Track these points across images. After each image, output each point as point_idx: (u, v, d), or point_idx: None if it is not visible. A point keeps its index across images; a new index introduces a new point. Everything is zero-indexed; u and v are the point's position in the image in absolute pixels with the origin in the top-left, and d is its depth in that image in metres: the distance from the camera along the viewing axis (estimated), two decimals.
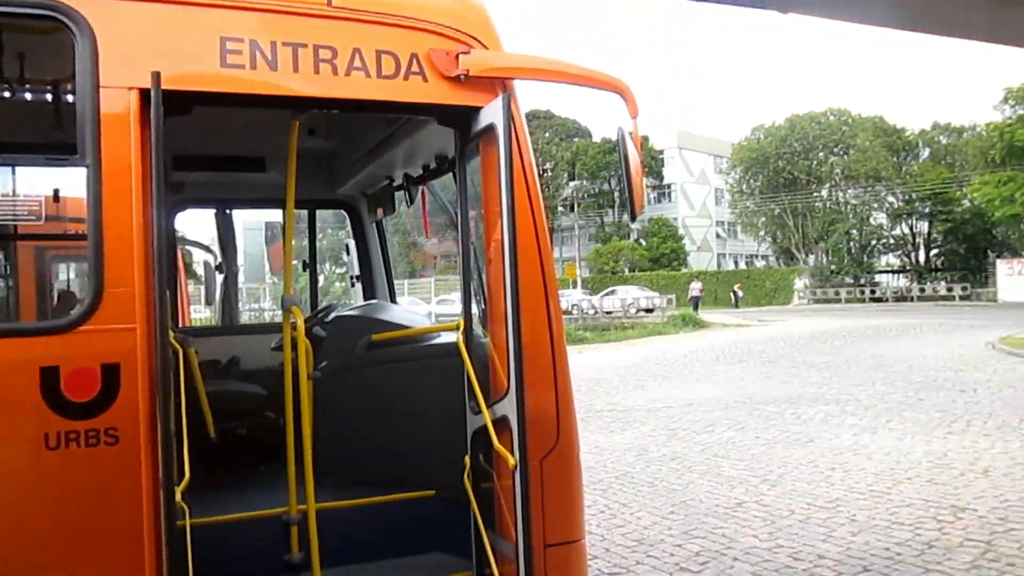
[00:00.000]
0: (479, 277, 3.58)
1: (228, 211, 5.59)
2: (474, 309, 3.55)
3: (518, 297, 3.00)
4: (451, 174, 4.22)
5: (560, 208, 71.94)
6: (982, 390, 13.57)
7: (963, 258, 55.71)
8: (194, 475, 2.84)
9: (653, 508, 7.52)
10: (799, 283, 57.20)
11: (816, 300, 54.61)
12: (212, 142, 4.65)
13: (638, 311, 40.23)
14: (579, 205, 68.81)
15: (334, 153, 5.24)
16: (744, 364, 19.18)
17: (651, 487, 8.27)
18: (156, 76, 2.73)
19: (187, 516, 2.75)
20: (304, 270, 5.93)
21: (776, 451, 9.68)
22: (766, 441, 10.26)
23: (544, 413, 3.17)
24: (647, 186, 75.82)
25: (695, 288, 47.66)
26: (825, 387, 14.75)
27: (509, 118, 3.08)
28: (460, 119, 3.33)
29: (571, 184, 72.15)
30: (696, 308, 43.98)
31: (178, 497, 2.67)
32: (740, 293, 55.22)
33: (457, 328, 3.52)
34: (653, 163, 71.59)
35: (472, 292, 3.50)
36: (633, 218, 3.38)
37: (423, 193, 4.99)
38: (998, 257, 49.62)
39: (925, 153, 60.98)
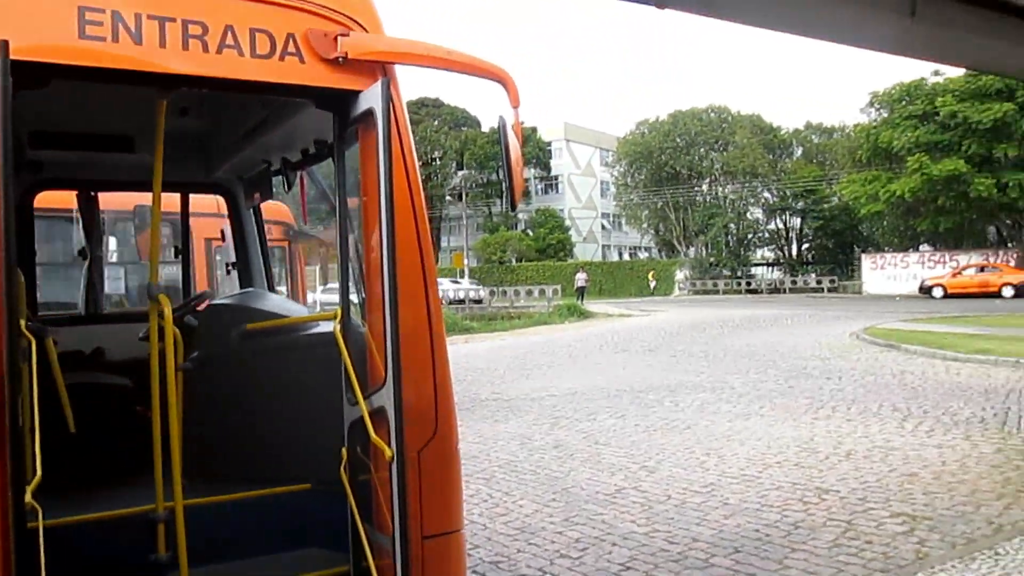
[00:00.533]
0: (358, 266, 3.52)
1: (93, 193, 5.30)
2: (355, 299, 3.49)
3: (396, 286, 2.96)
4: (331, 160, 4.13)
5: (448, 197, 71.92)
6: (846, 377, 14.32)
7: (832, 252, 58.63)
8: (52, 473, 2.68)
9: (535, 496, 7.61)
10: (680, 274, 59.02)
11: (696, 291, 56.45)
12: (75, 119, 4.38)
13: (450, 303, 40.21)
14: (467, 195, 68.88)
15: (208, 135, 5.04)
16: (626, 353, 19.62)
17: (534, 475, 8.36)
18: (3, 45, 2.55)
19: (40, 517, 2.60)
20: (177, 256, 5.69)
21: (655, 438, 9.95)
22: (645, 428, 10.53)
23: (422, 403, 3.14)
24: (535, 177, 76.74)
25: (580, 279, 48.52)
26: (703, 375, 15.25)
27: (388, 103, 3.02)
28: (338, 103, 3.25)
29: (459, 173, 72.13)
30: (581, 298, 44.77)
31: (28, 497, 2.51)
32: (654, 283, 56.62)
33: (335, 318, 3.45)
34: (541, 154, 72.42)
35: (350, 281, 3.44)
36: (513, 207, 3.39)
37: (302, 179, 4.85)
38: (863, 252, 52.48)
39: (799, 151, 63.74)
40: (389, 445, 2.96)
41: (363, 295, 3.45)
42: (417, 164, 3.34)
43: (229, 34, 2.99)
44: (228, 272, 5.71)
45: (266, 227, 5.74)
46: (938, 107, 41.35)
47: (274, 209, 10.75)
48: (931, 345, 17.80)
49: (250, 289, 5.34)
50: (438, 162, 73.61)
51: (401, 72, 3.29)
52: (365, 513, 3.28)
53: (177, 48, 2.91)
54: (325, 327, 3.89)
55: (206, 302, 4.35)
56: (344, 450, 3.37)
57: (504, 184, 3.40)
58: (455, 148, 70.70)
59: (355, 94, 3.17)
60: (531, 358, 19.12)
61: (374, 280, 3.18)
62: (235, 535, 3.68)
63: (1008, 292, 38.41)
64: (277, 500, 3.76)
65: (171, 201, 4.97)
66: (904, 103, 44.27)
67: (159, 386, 3.36)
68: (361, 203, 3.28)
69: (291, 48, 3.08)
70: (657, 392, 13.51)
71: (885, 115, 46.81)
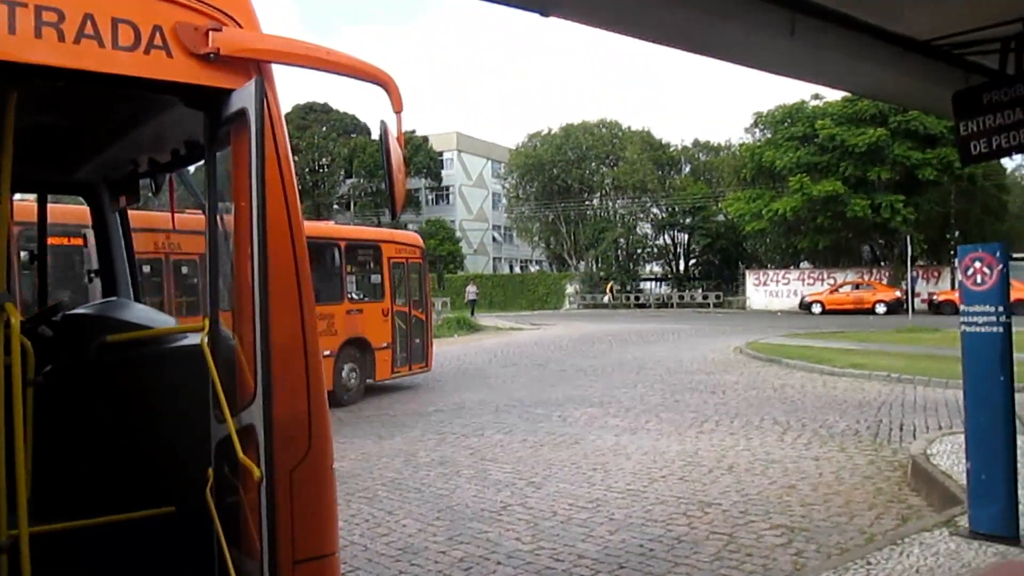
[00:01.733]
0: (230, 274, 3.38)
1: None
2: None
3: (267, 296, 2.85)
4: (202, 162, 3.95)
5: (336, 206, 70.81)
6: (730, 391, 14.77)
7: (718, 268, 60.61)
8: None
9: (419, 515, 7.50)
10: (570, 288, 59.85)
11: (586, 305, 57.34)
12: None
13: None
14: (355, 204, 68.03)
15: (68, 132, 4.76)
16: (515, 367, 19.72)
17: (418, 493, 8.25)
18: None
19: None
20: (32, 262, 5.36)
21: (542, 453, 9.99)
22: (533, 444, 10.57)
23: (294, 420, 3.03)
24: (426, 187, 76.46)
25: (471, 292, 48.56)
26: (591, 389, 15.45)
27: (262, 103, 2.91)
28: (209, 102, 3.11)
29: (348, 182, 71.15)
30: (472, 311, 44.79)
31: None
32: (608, 296, 56.26)
33: (202, 329, 3.29)
34: (432, 164, 72.17)
35: (220, 290, 3.29)
36: (393, 216, 3.32)
37: (171, 182, 4.64)
38: (747, 268, 54.47)
39: (687, 168, 65.74)
40: (258, 465, 2.84)
41: (234, 305, 3.30)
42: (294, 169, 3.23)
43: (88, 23, 2.82)
44: (90, 280, 5.41)
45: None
46: (817, 130, 43.33)
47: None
48: (810, 360, 18.55)
49: (112, 298, 5.07)
50: (326, 169, 72.48)
51: (286, 75, 3.18)
52: (233, 537, 3.14)
53: (29, 36, 2.72)
54: (193, 339, 3.72)
55: (60, 313, 4.10)
56: (211, 471, 3.21)
57: (386, 192, 3.32)
58: (344, 155, 69.75)
59: (227, 93, 3.04)
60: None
61: (245, 289, 3.05)
62: (89, 565, 3.46)
63: (881, 309, 40.56)
64: (137, 525, 3.55)
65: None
66: (786, 124, 46.21)
67: (4, 402, 3.12)
68: (233, 208, 3.14)
69: (157, 41, 2.93)
70: (545, 406, 13.61)
71: (769, 135, 48.77)
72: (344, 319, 15.56)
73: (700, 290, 57.25)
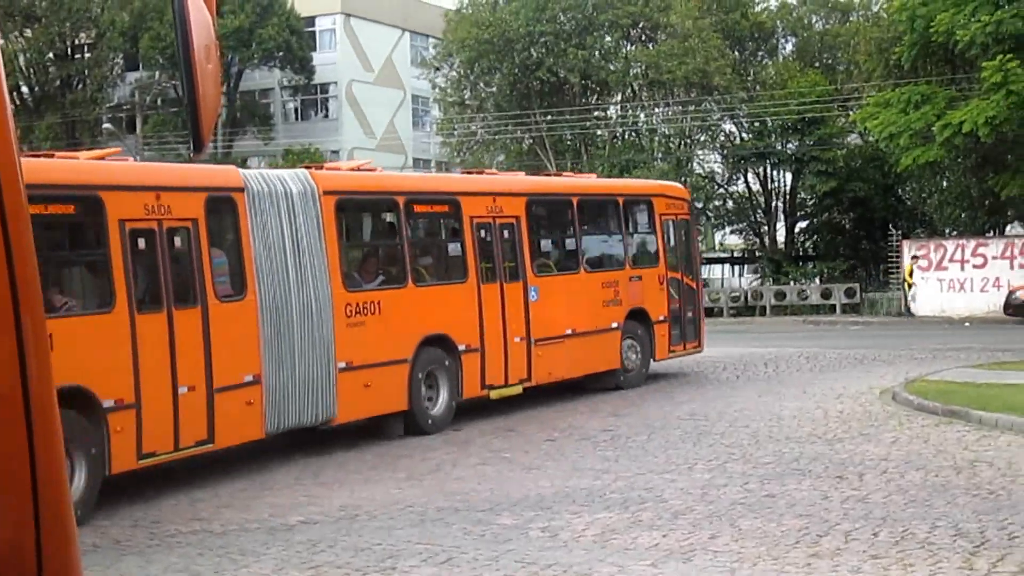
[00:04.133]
0: None
1: None
2: None
3: None
4: None
5: (108, 124, 70.31)
6: (873, 475, 14.90)
7: (850, 239, 61.08)
8: None
9: None
10: None
11: None
12: None
13: None
14: (146, 119, 67.70)
15: None
16: (460, 427, 19.76)
17: None
18: None
19: None
20: None
21: None
22: None
23: (5, 546, 2.99)
24: (283, 87, 76.29)
25: None
26: (608, 474, 15.60)
27: None
28: None
29: (131, 77, 70.79)
30: None
31: None
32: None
33: None
34: (296, 41, 72.00)
35: None
36: (197, 148, 3.28)
37: None
38: (905, 237, 54.90)
39: (788, 44, 66.32)
40: None
41: None
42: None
43: None
44: None
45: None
46: None
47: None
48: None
49: None
50: (88, 53, 71.98)
51: None
52: None
53: None
54: None
55: None
56: None
57: (184, 102, 3.30)
58: (122, 26, 69.33)
59: None
60: None
61: None
62: None
63: None
64: None
65: None
66: None
67: None
68: None
69: None
70: (518, 510, 13.66)
71: None
72: (627, 287, 24.82)
73: (816, 280, 57.56)
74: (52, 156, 17.91)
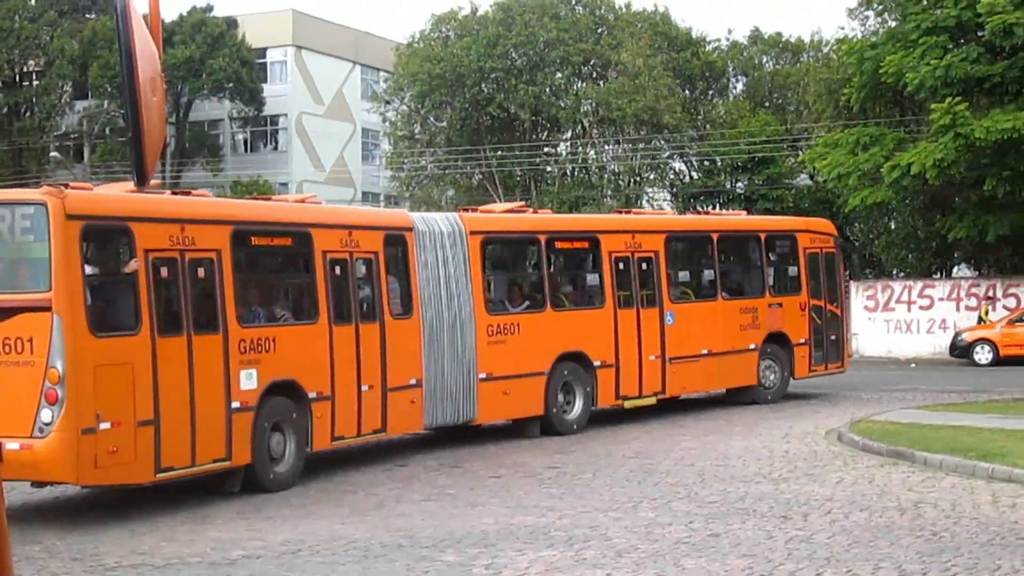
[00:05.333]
0: None
1: None
2: None
3: None
4: None
5: (55, 152, 69.90)
6: (817, 516, 14.98)
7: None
8: None
9: None
10: None
11: None
12: None
13: None
14: (95, 147, 67.28)
15: None
16: (407, 463, 19.74)
17: None
18: None
19: None
20: None
21: None
22: None
23: None
24: (232, 118, 76.02)
25: None
26: (551, 512, 15.58)
27: None
28: None
29: (80, 105, 70.41)
30: None
31: None
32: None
33: None
34: (246, 72, 71.81)
35: None
36: (140, 180, 3.29)
37: None
38: (852, 279, 55.20)
39: (738, 84, 66.72)
40: None
41: None
42: None
43: None
44: None
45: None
46: (983, 14, 43.84)
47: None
48: (969, 453, 18.85)
49: None
50: (36, 80, 71.58)
51: None
52: None
53: None
54: None
55: None
56: None
57: (129, 134, 3.30)
58: (72, 54, 68.97)
59: None
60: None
61: None
62: None
63: None
64: None
65: None
66: (923, 4, 46.64)
67: None
68: None
69: None
70: (462, 547, 13.64)
71: (892, 23, 49.38)
72: (766, 312, 29.08)
73: None
74: (269, 199, 24.05)
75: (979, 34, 44.46)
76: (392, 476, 19.57)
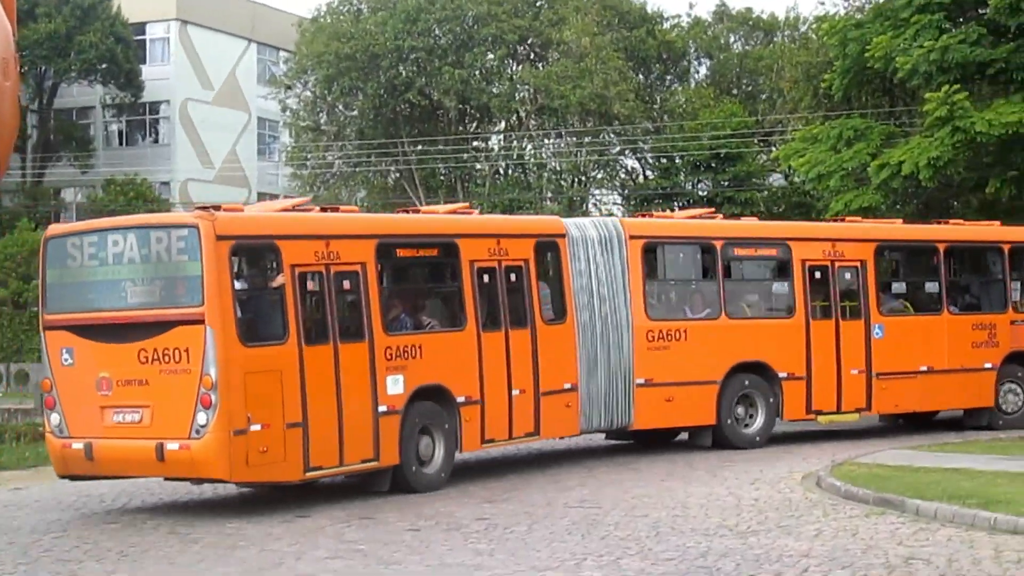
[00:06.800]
0: None
1: None
2: None
3: None
4: None
5: None
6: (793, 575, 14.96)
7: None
8: None
9: None
10: None
11: None
12: None
13: None
14: None
15: None
16: (307, 516, 19.72)
17: None
18: None
19: None
20: None
21: None
22: None
23: None
24: (104, 105, 75.54)
25: None
26: (480, 571, 15.50)
27: None
28: None
29: None
30: None
31: None
32: None
33: None
34: (124, 53, 71.37)
35: None
36: None
37: None
38: None
39: (701, 68, 66.93)
40: None
41: None
42: None
43: None
44: None
45: None
46: None
47: None
48: (968, 500, 18.91)
49: None
50: None
51: None
52: None
53: None
54: None
55: None
56: None
57: None
58: None
59: None
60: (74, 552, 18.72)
61: None
62: None
63: None
64: None
65: None
66: None
67: None
68: None
69: None
70: None
71: (878, 0, 49.68)
72: (1007, 330, 30.98)
73: None
74: (418, 211, 27.63)
75: (981, 12, 44.56)
76: (292, 528, 19.37)
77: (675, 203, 61.17)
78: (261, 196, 77.59)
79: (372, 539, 18.31)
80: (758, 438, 27.71)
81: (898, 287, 31.34)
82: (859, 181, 46.60)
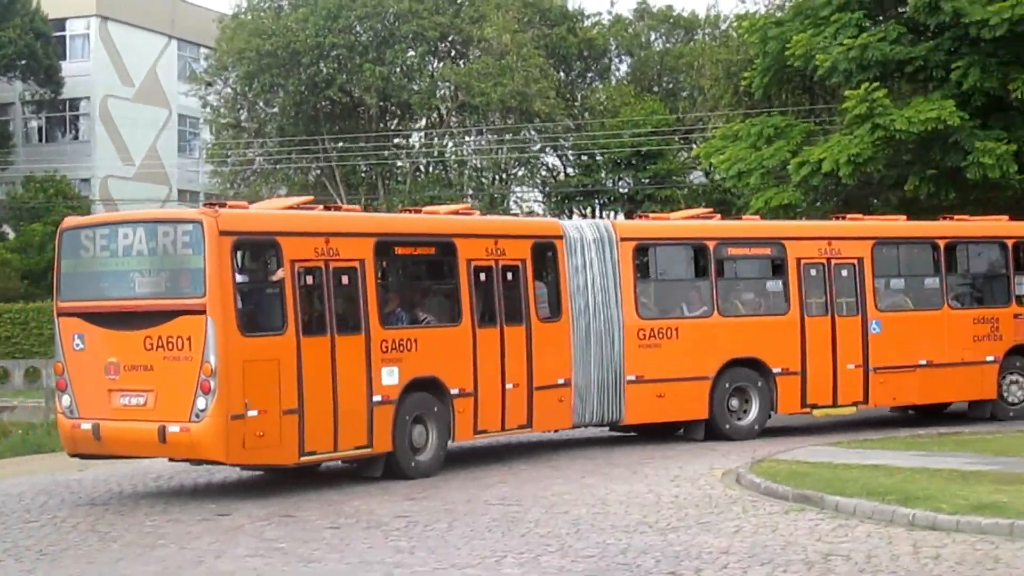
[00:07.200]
0: None
1: None
2: None
3: None
4: None
5: None
6: (712, 572, 15.01)
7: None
8: None
9: None
10: None
11: None
12: None
13: None
14: None
15: None
16: (229, 520, 19.61)
17: None
18: None
19: None
20: None
21: None
22: None
23: None
24: (24, 101, 74.98)
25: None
26: (397, 571, 15.45)
27: None
28: None
29: None
30: None
31: None
32: None
33: None
34: (43, 49, 70.90)
35: None
36: None
37: None
38: None
39: (622, 66, 67.03)
40: None
41: None
42: None
43: None
44: None
45: None
46: None
47: None
48: (887, 497, 19.05)
49: None
50: None
51: None
52: None
53: None
54: None
55: None
56: None
57: None
58: None
59: None
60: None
61: None
62: None
63: None
64: None
65: None
66: None
67: None
68: None
69: None
70: None
71: None
72: (1010, 324, 32.04)
73: None
74: (419, 212, 27.93)
75: (900, 10, 44.83)
76: (212, 527, 19.25)
77: (596, 200, 61.33)
78: (181, 193, 77.45)
79: (292, 537, 18.27)
80: (752, 430, 28.79)
81: (897, 283, 32.17)
82: (779, 179, 46.83)
